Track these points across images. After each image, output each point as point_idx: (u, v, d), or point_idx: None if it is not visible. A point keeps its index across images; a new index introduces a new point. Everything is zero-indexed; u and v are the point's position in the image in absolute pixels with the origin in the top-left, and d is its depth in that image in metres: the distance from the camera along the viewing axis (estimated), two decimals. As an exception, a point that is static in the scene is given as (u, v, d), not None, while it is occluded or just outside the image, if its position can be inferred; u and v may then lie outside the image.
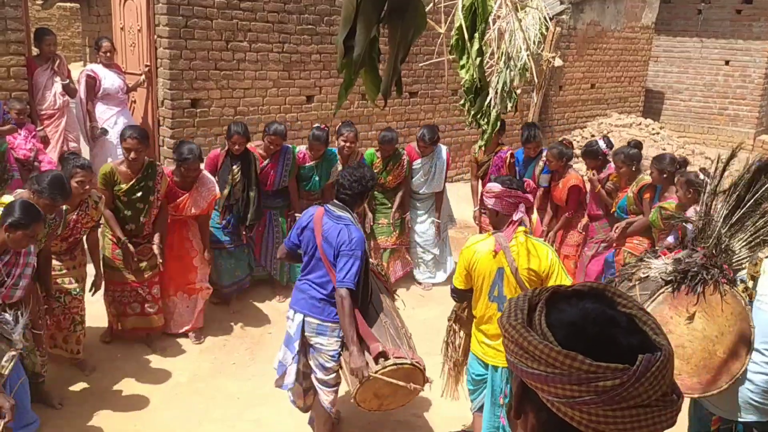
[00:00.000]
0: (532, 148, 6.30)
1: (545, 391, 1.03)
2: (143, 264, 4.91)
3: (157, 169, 4.89)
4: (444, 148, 6.56)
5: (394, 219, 6.38)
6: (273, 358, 4.77)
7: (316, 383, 3.80)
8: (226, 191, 5.56)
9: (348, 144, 6.00)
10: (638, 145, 6.15)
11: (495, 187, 3.40)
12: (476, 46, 2.23)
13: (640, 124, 12.55)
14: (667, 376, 1.01)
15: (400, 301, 4.14)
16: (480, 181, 6.63)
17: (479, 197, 6.27)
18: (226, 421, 4.32)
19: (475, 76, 2.42)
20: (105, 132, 6.76)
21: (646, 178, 5.50)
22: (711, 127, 14.11)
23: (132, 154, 4.71)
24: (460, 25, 2.13)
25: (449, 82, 9.55)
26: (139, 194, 4.76)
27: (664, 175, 5.19)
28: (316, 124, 6.17)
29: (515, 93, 3.27)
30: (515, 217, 3.33)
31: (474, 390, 3.64)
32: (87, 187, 4.33)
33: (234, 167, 5.58)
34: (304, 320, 3.68)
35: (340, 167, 5.91)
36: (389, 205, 6.38)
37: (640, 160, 5.72)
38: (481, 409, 3.59)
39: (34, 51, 6.59)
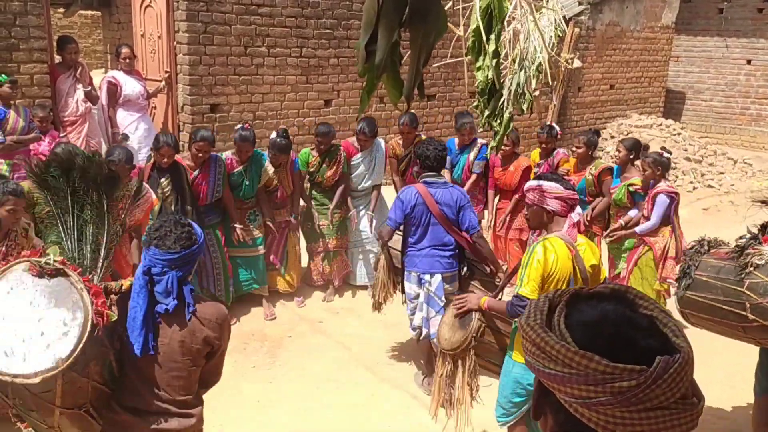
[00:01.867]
0: (466, 134, 6.29)
1: (562, 391, 1.03)
2: None
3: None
4: (382, 142, 6.39)
5: (334, 219, 6.07)
6: (293, 361, 4.80)
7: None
8: (156, 207, 5.00)
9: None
10: (597, 133, 6.57)
11: (556, 188, 3.29)
12: (492, 47, 2.23)
13: (660, 124, 12.43)
14: (686, 378, 1.01)
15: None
16: (400, 177, 6.37)
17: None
18: (247, 423, 4.34)
19: (490, 77, 2.41)
20: (126, 137, 6.83)
21: (603, 162, 5.87)
22: (733, 127, 13.93)
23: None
24: (477, 27, 2.13)
25: (467, 84, 9.54)
26: None
27: (631, 156, 5.69)
28: (240, 125, 5.70)
29: (530, 94, 3.25)
30: (574, 217, 3.30)
31: (515, 401, 3.43)
32: (18, 216, 3.84)
33: (162, 180, 5.11)
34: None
35: (270, 169, 5.66)
36: (328, 205, 6.07)
37: (596, 145, 6.32)
38: (521, 420, 3.50)
39: (57, 59, 6.68)
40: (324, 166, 5.99)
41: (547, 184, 3.31)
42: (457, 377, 3.68)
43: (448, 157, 6.27)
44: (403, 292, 4.69)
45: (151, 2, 7.39)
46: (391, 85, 1.33)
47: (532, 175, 6.13)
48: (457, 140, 6.42)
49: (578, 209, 3.34)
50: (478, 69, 2.27)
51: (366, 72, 1.31)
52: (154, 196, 4.83)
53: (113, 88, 6.80)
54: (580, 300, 1.11)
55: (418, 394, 4.69)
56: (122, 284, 2.51)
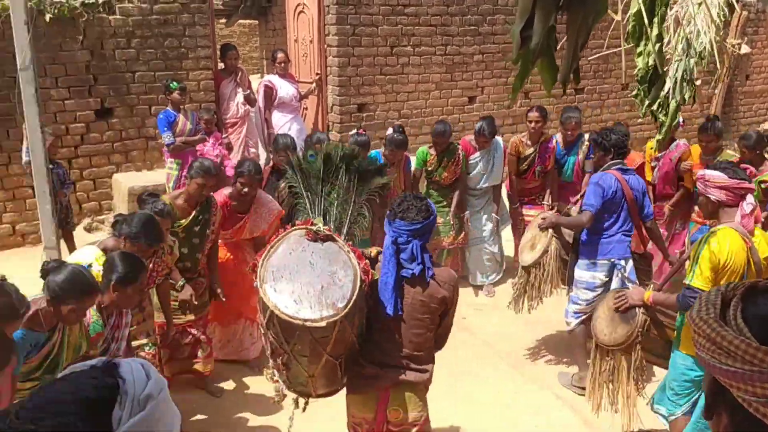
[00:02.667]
0: (570, 129, 5.85)
1: (741, 389, 0.96)
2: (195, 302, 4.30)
3: (211, 200, 4.36)
4: (501, 141, 6.16)
5: (452, 217, 5.96)
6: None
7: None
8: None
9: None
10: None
11: (719, 177, 3.15)
12: (655, 31, 2.10)
13: None
14: None
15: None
16: (518, 177, 6.10)
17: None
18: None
19: (650, 63, 2.28)
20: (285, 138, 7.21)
21: (731, 153, 5.52)
22: None
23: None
24: (639, 10, 2.02)
25: (621, 75, 9.08)
26: (196, 228, 4.26)
27: (757, 152, 5.27)
28: (354, 130, 5.63)
29: (694, 83, 3.04)
30: (746, 208, 3.12)
31: (684, 394, 3.39)
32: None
33: (281, 183, 4.89)
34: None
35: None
36: (445, 203, 5.96)
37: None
38: (685, 416, 3.39)
39: (220, 65, 7.20)
40: (441, 165, 5.90)
41: (709, 173, 3.20)
42: (620, 372, 3.62)
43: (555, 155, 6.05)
44: (570, 283, 4.59)
45: (304, 8, 7.75)
46: (545, 70, 1.30)
47: (647, 172, 5.80)
48: (560, 137, 6.04)
49: (749, 199, 3.11)
50: (639, 55, 2.15)
51: (520, 58, 1.29)
52: (278, 207, 4.72)
53: (269, 91, 7.21)
54: (757, 293, 1.03)
55: (563, 393, 4.54)
56: (371, 252, 2.91)
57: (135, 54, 6.64)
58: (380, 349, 2.69)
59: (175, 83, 6.14)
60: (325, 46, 7.55)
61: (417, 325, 2.80)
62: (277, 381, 2.84)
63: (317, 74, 7.64)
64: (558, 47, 1.31)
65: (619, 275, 4.41)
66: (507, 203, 6.36)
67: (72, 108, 6.44)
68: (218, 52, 7.24)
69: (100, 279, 2.94)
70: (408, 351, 2.80)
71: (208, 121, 6.48)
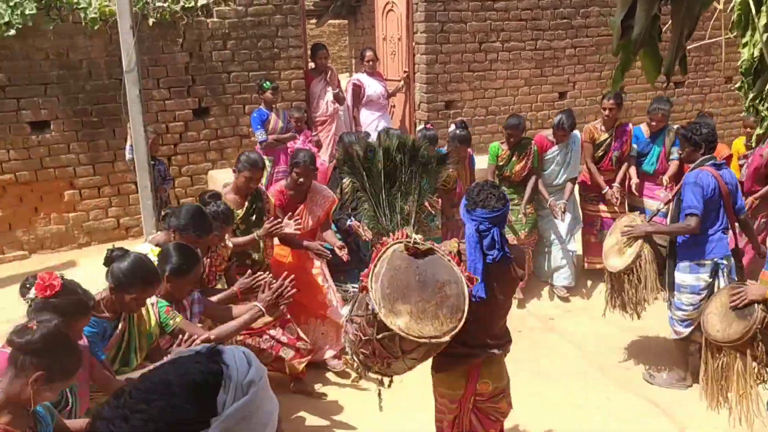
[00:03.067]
0: (656, 121, 5.74)
1: None
2: None
3: (259, 189, 4.48)
4: (578, 134, 5.94)
5: (526, 214, 5.80)
6: (521, 355, 4.72)
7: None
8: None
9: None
10: None
11: None
12: (763, 20, 1.97)
13: None
14: None
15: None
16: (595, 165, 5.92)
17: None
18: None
19: (756, 55, 2.15)
20: (368, 135, 7.28)
21: None
22: None
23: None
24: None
25: (724, 69, 8.61)
26: (253, 218, 4.37)
27: None
28: (422, 125, 5.48)
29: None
30: None
31: None
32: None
33: (345, 179, 4.86)
34: None
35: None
36: (516, 200, 5.77)
37: None
38: None
39: (310, 65, 7.35)
40: (513, 159, 5.77)
41: None
42: (733, 370, 3.52)
43: (635, 147, 5.90)
44: (671, 288, 4.41)
45: (392, 7, 7.80)
46: (648, 61, 1.24)
47: (733, 166, 5.55)
48: (645, 127, 5.91)
49: None
50: (744, 46, 2.03)
51: (621, 49, 1.24)
52: (332, 194, 4.80)
53: (357, 90, 7.30)
54: None
55: (658, 399, 4.36)
56: (455, 246, 3.00)
57: (230, 55, 6.88)
58: (469, 330, 2.75)
59: (268, 83, 6.32)
60: (413, 43, 7.56)
61: (500, 305, 2.99)
62: (359, 367, 2.90)
63: (405, 72, 7.67)
64: (660, 37, 1.25)
65: (724, 275, 4.25)
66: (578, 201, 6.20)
67: (172, 108, 6.75)
68: (309, 52, 7.40)
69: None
70: (493, 329, 2.99)
71: (299, 119, 6.63)
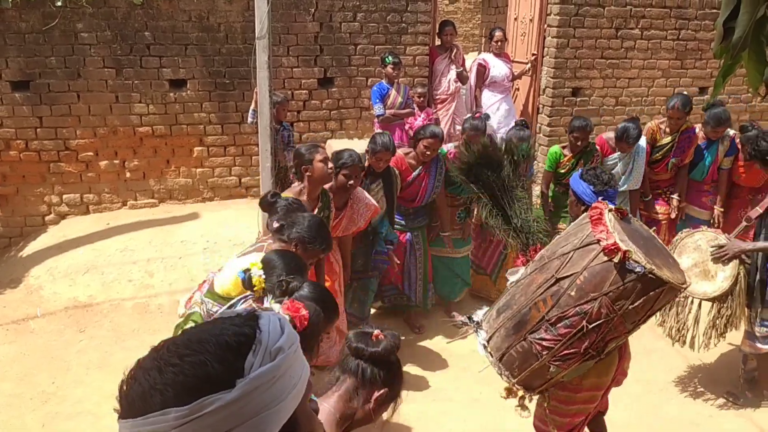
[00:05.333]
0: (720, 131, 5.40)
1: None
2: None
3: (329, 195, 4.14)
4: (644, 143, 5.42)
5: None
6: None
7: None
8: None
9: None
10: None
11: None
12: None
13: None
14: None
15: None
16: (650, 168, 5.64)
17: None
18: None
19: None
20: (487, 117, 7.16)
21: None
22: None
23: (351, 181, 4.17)
24: None
25: None
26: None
27: None
28: (469, 114, 5.24)
29: None
30: None
31: None
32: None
33: (373, 185, 4.62)
34: None
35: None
36: None
37: None
38: None
39: (437, 42, 7.31)
40: (578, 167, 5.15)
41: None
42: None
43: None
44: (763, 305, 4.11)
45: (527, -14, 7.57)
46: (753, 66, 1.14)
47: None
48: (699, 132, 5.55)
49: None
50: None
51: (723, 52, 1.14)
52: (374, 203, 4.43)
53: (482, 70, 7.18)
54: None
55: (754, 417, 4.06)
56: None
57: (359, 27, 6.98)
58: None
59: (389, 57, 6.36)
60: (545, 25, 7.31)
61: None
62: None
63: (533, 54, 7.44)
64: (770, 41, 1.14)
65: None
66: None
67: (298, 75, 6.97)
68: (436, 28, 7.36)
69: (263, 284, 2.60)
70: None
71: (422, 94, 6.64)
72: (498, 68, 7.16)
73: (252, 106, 5.84)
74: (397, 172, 4.82)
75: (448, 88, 7.09)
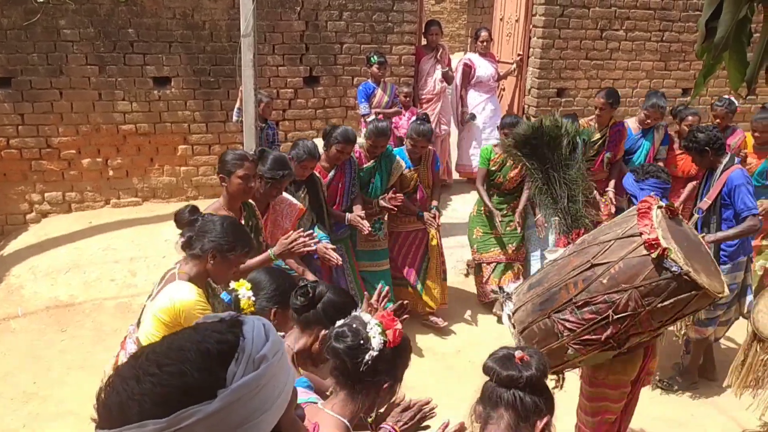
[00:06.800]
0: (651, 117, 5.53)
1: None
2: None
3: (250, 204, 3.74)
4: (579, 141, 5.36)
5: (512, 227, 5.35)
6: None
7: None
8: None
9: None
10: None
11: None
12: None
13: None
14: None
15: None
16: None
17: None
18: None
19: None
20: (473, 117, 7.19)
21: None
22: None
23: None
24: None
25: None
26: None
27: None
28: (372, 116, 4.98)
29: None
30: None
31: None
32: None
33: (299, 193, 4.38)
34: None
35: (402, 165, 4.98)
36: (506, 210, 5.37)
37: None
38: None
39: (423, 41, 7.31)
40: (508, 164, 5.26)
41: None
42: None
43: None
44: None
45: (513, -14, 7.59)
46: (734, 66, 1.14)
47: None
48: (633, 123, 5.65)
49: None
50: None
51: (704, 52, 1.15)
52: (299, 204, 4.20)
53: (468, 70, 7.19)
54: None
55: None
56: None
57: (345, 26, 6.96)
58: None
59: (375, 57, 6.35)
60: (531, 26, 7.34)
61: None
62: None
63: (519, 55, 7.47)
64: (750, 41, 1.14)
65: (749, 270, 4.44)
66: None
67: (284, 74, 6.94)
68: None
69: (252, 307, 2.40)
70: None
71: (407, 94, 6.65)
72: (483, 68, 7.18)
73: (237, 105, 5.81)
74: (319, 176, 4.59)
75: (434, 88, 7.09)
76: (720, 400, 4.44)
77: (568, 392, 2.97)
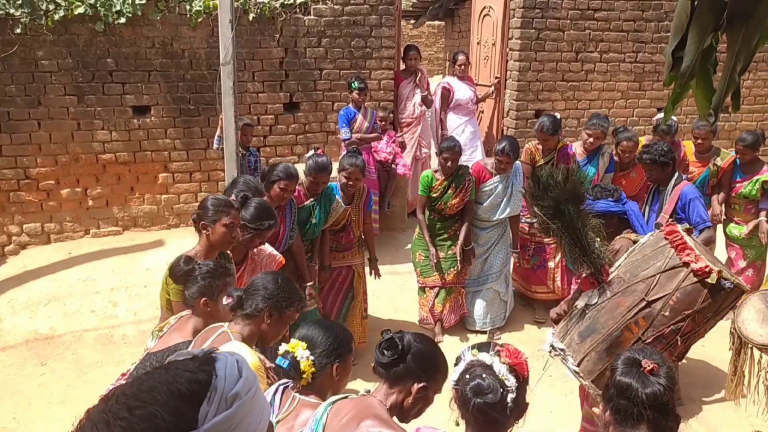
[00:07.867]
0: (594, 137, 5.58)
1: None
2: None
3: (227, 253, 3.52)
4: (519, 165, 5.41)
5: (452, 251, 5.27)
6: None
7: None
8: None
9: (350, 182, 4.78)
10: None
11: None
12: None
13: None
14: None
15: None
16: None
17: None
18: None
19: None
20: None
21: (729, 153, 5.62)
22: None
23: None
24: None
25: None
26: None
27: (756, 153, 5.42)
28: (311, 151, 4.74)
29: None
30: None
31: None
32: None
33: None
34: None
35: (341, 206, 4.78)
36: (446, 235, 5.31)
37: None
38: None
39: (401, 66, 7.38)
40: (449, 192, 5.17)
41: None
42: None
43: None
44: None
45: (489, 11, 7.71)
46: (701, 94, 1.18)
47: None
48: (578, 147, 5.66)
49: None
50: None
51: (672, 80, 1.18)
52: (279, 256, 3.96)
53: (446, 93, 7.27)
54: None
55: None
56: None
57: (324, 52, 7.02)
58: None
59: (355, 83, 6.40)
60: (507, 49, 7.45)
61: None
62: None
63: (496, 78, 7.57)
64: (717, 69, 1.18)
65: None
66: None
67: (264, 101, 6.96)
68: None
69: (312, 368, 2.20)
70: None
71: (384, 118, 6.70)
72: (462, 91, 7.26)
73: (218, 132, 5.81)
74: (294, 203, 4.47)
75: (414, 112, 7.15)
76: (706, 416, 4.45)
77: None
